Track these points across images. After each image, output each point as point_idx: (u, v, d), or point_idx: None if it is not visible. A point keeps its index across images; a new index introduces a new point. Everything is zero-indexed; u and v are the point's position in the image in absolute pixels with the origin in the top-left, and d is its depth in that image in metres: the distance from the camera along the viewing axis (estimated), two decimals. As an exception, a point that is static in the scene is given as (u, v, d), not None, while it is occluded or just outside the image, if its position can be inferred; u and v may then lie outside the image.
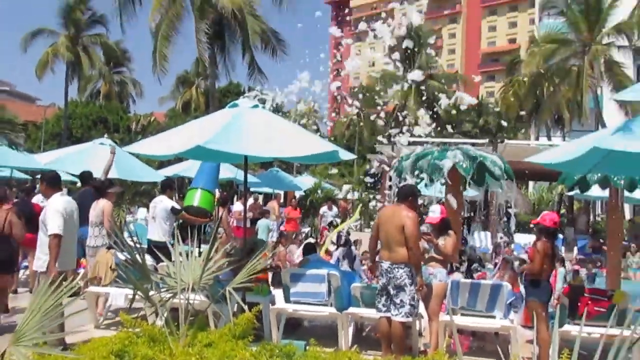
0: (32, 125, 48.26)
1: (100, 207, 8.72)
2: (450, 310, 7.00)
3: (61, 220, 6.36)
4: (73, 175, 12.70)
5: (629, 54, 28.86)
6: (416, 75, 12.45)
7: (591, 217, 24.91)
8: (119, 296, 7.69)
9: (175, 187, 11.54)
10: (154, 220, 9.51)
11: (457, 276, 7.84)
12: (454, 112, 14.35)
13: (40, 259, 6.45)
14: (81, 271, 9.18)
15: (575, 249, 17.06)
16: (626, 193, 10.18)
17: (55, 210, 6.37)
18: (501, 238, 14.40)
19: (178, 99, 48.21)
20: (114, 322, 7.90)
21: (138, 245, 5.27)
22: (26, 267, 10.30)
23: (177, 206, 9.69)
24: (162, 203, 9.53)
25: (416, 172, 9.07)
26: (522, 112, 34.17)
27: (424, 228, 7.47)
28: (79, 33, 40.63)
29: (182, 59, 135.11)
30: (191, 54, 57.36)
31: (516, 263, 10.06)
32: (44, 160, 13.35)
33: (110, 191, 9.04)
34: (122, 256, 5.79)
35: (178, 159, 12.39)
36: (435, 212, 7.22)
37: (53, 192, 6.66)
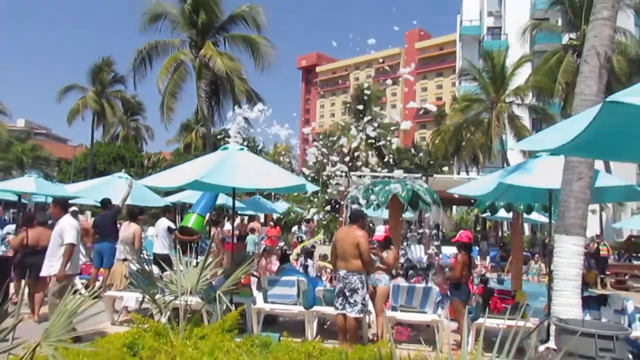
0: (63, 162, 47.35)
1: (132, 230, 8.65)
2: (391, 307, 7.01)
3: (76, 233, 6.44)
4: (96, 201, 12.36)
5: (525, 110, 29.79)
6: (370, 129, 12.56)
7: (500, 233, 25.32)
8: (131, 299, 7.49)
9: (174, 210, 11.36)
10: (157, 237, 9.55)
11: (398, 280, 7.88)
12: (396, 154, 14.49)
13: (53, 265, 6.37)
14: (101, 279, 8.94)
15: (488, 258, 17.29)
16: (525, 215, 10.44)
17: (71, 225, 6.46)
18: (433, 250, 14.52)
19: (181, 141, 47.66)
20: (127, 319, 7.66)
21: (147, 257, 5.18)
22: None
23: (173, 226, 9.79)
24: (163, 223, 9.62)
25: (366, 199, 9.14)
26: (448, 151, 34.79)
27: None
28: (103, 89, 40.27)
29: (184, 110, 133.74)
30: (192, 106, 56.97)
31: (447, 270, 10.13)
32: (73, 189, 12.98)
33: (140, 217, 9.11)
34: (134, 267, 5.69)
35: (180, 188, 12.19)
36: (380, 231, 7.27)
37: (63, 213, 6.67)
